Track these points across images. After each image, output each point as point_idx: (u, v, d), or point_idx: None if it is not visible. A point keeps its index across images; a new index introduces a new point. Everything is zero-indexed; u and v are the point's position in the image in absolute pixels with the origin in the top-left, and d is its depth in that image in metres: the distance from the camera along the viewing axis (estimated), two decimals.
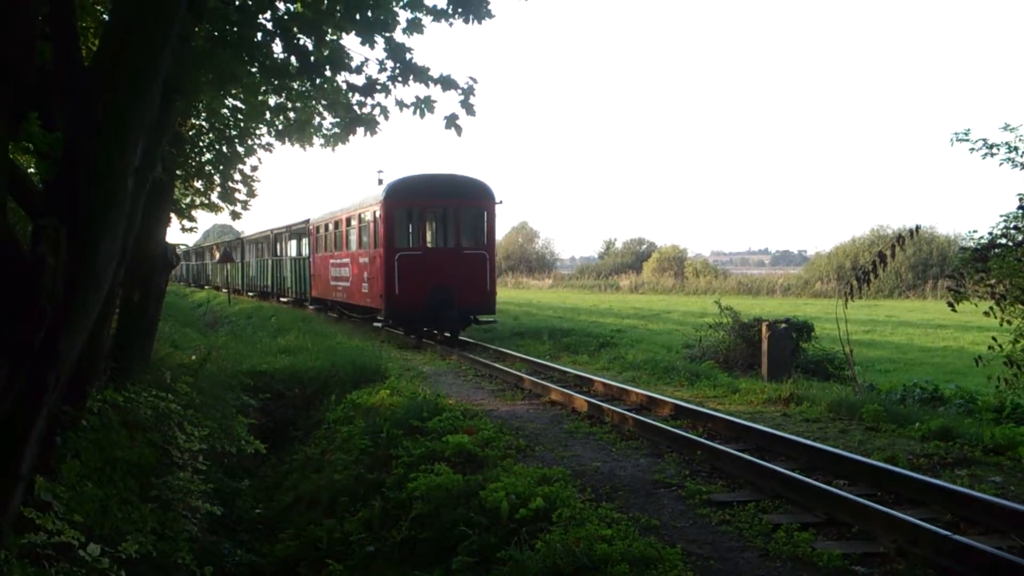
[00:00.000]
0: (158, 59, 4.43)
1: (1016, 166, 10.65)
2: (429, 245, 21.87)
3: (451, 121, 7.32)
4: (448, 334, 20.76)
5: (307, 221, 31.25)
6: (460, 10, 7.04)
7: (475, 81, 7.17)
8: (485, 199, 21.19)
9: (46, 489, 5.31)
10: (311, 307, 30.33)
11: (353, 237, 24.02)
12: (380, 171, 24.68)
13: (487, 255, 21.00)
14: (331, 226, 26.76)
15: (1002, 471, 7.93)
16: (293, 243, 34.87)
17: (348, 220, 24.52)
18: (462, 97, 7.13)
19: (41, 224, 4.53)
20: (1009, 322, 10.38)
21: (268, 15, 6.91)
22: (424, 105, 7.33)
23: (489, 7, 7.06)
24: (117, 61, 4.37)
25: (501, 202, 21.33)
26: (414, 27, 7.02)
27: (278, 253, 37.26)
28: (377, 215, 21.06)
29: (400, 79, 7.21)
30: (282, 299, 34.86)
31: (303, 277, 31.50)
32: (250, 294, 39.50)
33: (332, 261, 26.52)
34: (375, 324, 23.08)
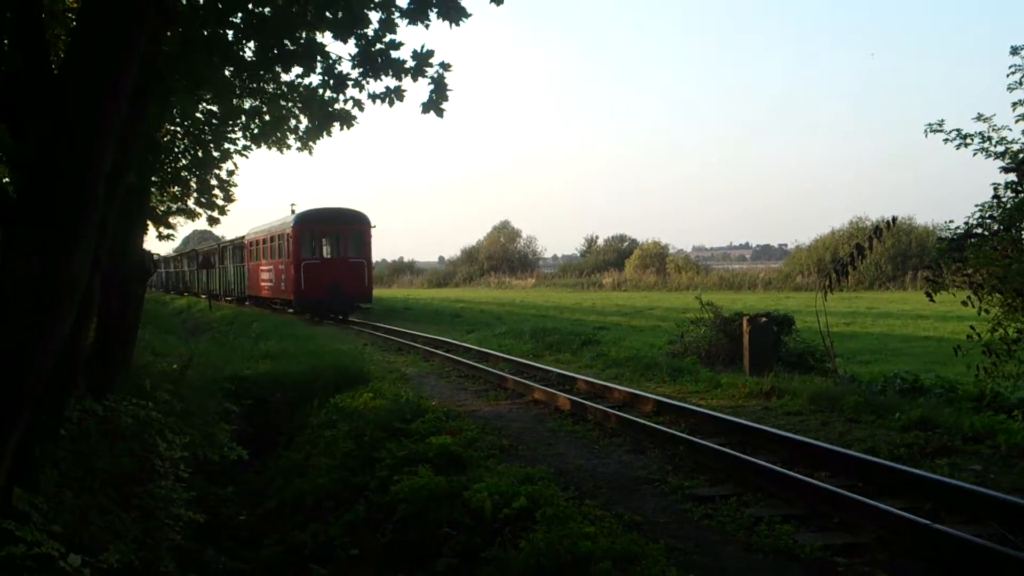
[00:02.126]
0: (126, 64, 4.40)
1: (990, 156, 10.71)
2: (326, 256, 30.84)
3: (429, 106, 7.32)
4: (341, 316, 29.89)
5: (243, 237, 39.50)
6: (434, 11, 7.02)
7: (446, 69, 7.17)
8: (364, 224, 30.99)
9: (23, 500, 5.25)
10: (248, 303, 38.07)
11: (274, 250, 33.05)
12: (293, 203, 34.26)
13: (365, 262, 30.60)
14: (260, 242, 35.86)
15: (982, 459, 8.01)
16: (236, 254, 42.13)
17: (271, 238, 33.55)
18: (432, 87, 7.13)
19: (13, 234, 4.50)
20: (987, 311, 10.43)
21: (239, 16, 6.87)
22: (394, 94, 7.36)
23: (463, 7, 7.03)
24: (84, 67, 4.34)
25: (375, 226, 31.21)
26: (387, 27, 7.01)
27: (225, 261, 44.38)
28: (290, 235, 30.32)
29: (372, 75, 7.20)
30: (227, 298, 41.63)
31: (242, 280, 39.81)
32: (203, 296, 45.54)
33: (261, 267, 35.51)
34: (289, 311, 31.49)
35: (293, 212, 30.82)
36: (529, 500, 6.82)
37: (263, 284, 34.95)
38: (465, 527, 6.89)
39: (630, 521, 6.53)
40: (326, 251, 30.99)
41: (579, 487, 7.48)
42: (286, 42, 6.92)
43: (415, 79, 7.19)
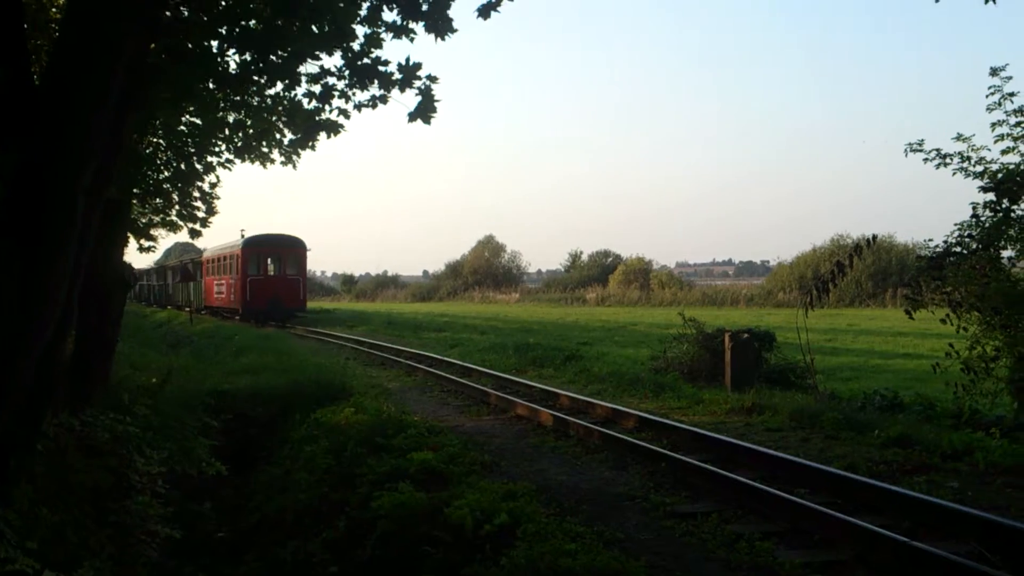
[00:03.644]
0: (110, 76, 4.38)
1: (969, 175, 10.85)
2: (269, 273, 37.40)
3: (416, 114, 7.33)
4: (280, 322, 35.15)
5: (201, 256, 45.72)
6: (421, 24, 7.04)
7: (433, 81, 7.19)
8: (300, 247, 38.20)
9: None
10: (205, 311, 43.30)
11: (226, 267, 39.42)
12: (243, 229, 39.60)
13: (300, 279, 37.82)
14: (215, 260, 42.22)
15: (960, 476, 8.04)
16: (196, 270, 47.28)
17: (224, 257, 39.93)
18: (420, 98, 7.16)
19: None
20: (965, 329, 10.53)
21: (224, 29, 6.86)
22: (379, 99, 7.41)
23: (451, 21, 7.05)
24: (67, 79, 4.32)
25: (311, 249, 38.59)
26: (372, 42, 7.02)
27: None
28: (239, 255, 36.71)
29: (359, 86, 7.22)
30: (186, 308, 45.53)
31: (200, 293, 45.51)
32: (169, 307, 51.05)
33: (215, 282, 41.98)
34: (236, 319, 37.14)
35: (243, 236, 37.55)
36: (511, 516, 6.80)
37: (216, 296, 41.55)
38: (446, 544, 6.86)
39: (611, 538, 6.51)
40: (269, 269, 37.58)
41: (561, 503, 7.46)
42: (272, 57, 6.91)
43: (402, 90, 7.21)
